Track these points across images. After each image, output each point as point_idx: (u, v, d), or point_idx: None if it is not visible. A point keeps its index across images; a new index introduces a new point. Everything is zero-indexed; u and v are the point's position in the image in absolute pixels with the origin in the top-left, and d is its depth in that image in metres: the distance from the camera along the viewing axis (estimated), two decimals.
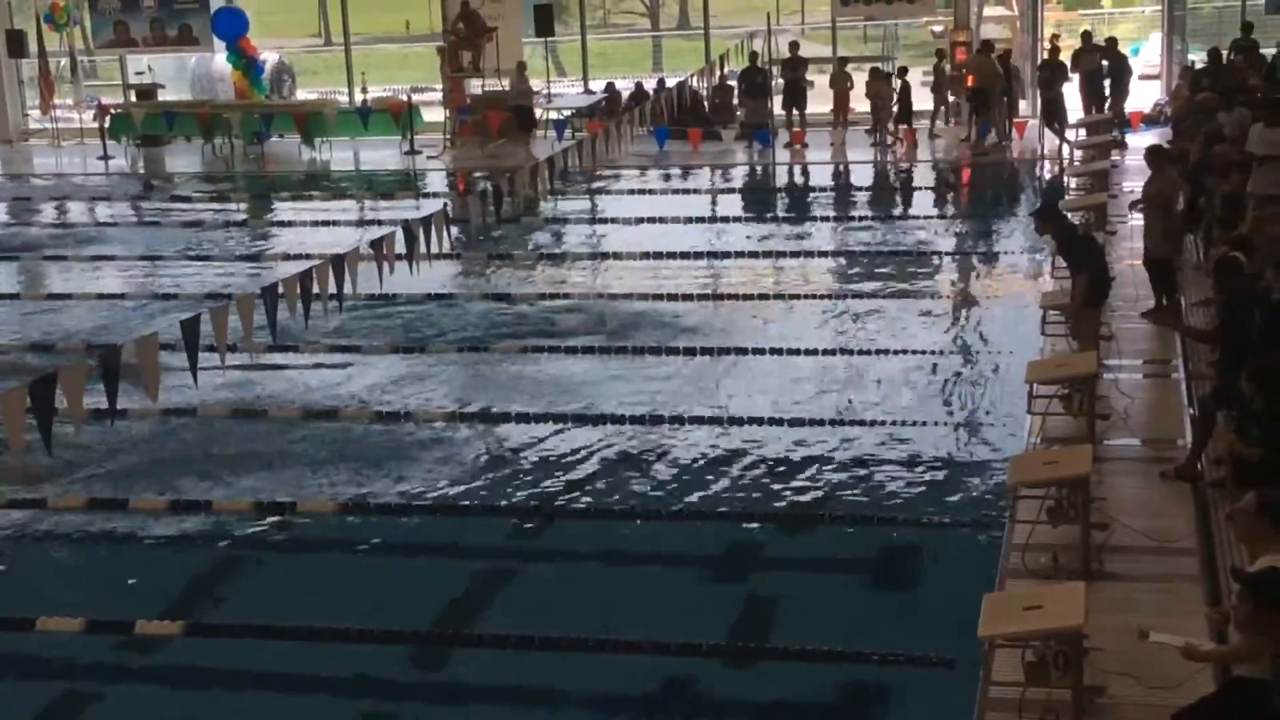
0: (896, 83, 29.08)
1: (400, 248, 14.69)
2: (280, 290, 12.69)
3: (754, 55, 30.55)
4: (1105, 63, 27.03)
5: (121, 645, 10.70)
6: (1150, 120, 27.32)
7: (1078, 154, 24.66)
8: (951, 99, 28.97)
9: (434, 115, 32.32)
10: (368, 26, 45.48)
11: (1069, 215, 15.60)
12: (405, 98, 32.19)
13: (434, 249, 15.22)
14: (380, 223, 21.77)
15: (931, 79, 29.47)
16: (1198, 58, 27.32)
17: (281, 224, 25.50)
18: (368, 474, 13.71)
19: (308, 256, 18.74)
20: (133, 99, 34.45)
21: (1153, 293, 15.55)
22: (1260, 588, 6.68)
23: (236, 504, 12.97)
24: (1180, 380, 13.62)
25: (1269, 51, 25.33)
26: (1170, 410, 13.05)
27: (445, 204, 18.80)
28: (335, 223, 24.42)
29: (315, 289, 13.05)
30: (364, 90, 34.20)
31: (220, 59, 35.15)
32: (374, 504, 12.95)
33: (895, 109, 28.91)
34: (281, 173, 29.91)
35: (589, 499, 13.03)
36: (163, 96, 34.74)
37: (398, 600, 11.23)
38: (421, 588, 11.53)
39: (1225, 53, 25.48)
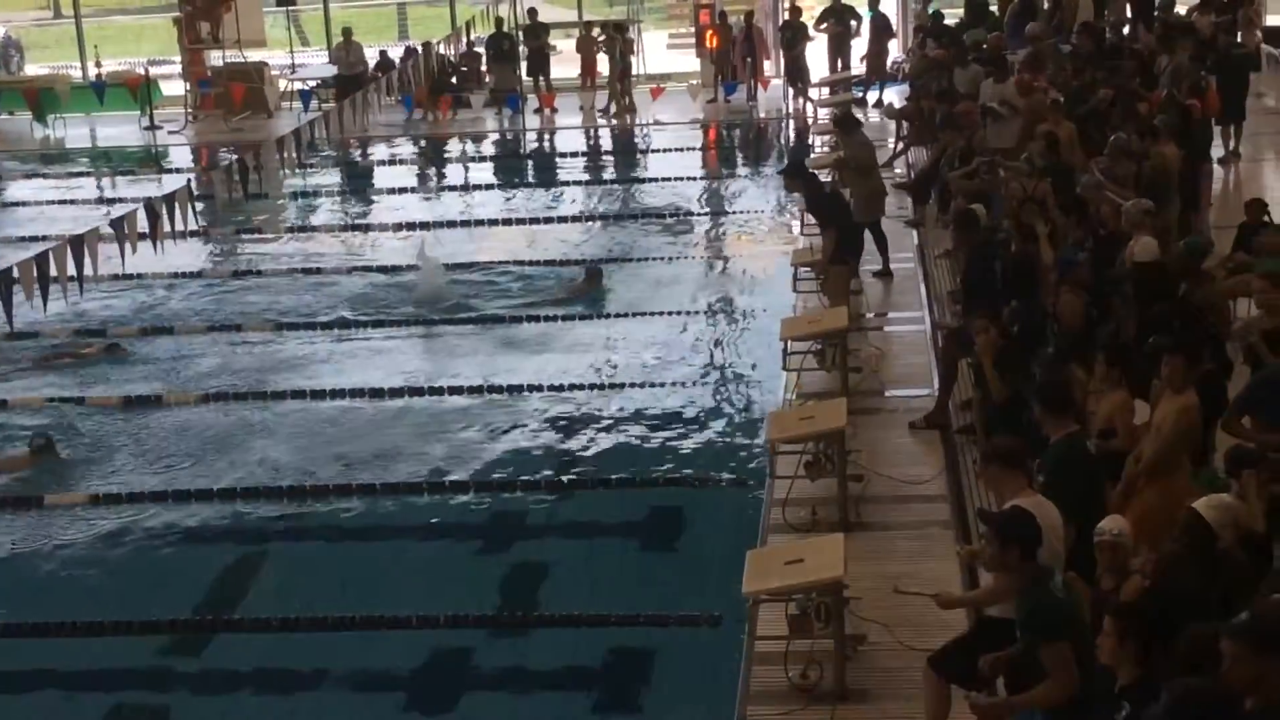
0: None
1: (143, 227, 14.26)
2: (15, 274, 12.22)
3: (500, 21, 30.36)
4: (854, 22, 27.47)
5: None
6: (889, 78, 27.88)
7: (822, 112, 25.10)
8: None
9: (174, 89, 31.33)
10: None
11: (815, 173, 15.87)
12: (142, 71, 31.16)
13: (179, 227, 14.82)
14: (121, 201, 21.07)
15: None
16: None
17: (14, 205, 24.45)
18: (120, 461, 13.30)
19: (44, 238, 18.04)
20: None
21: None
22: (1004, 528, 6.96)
23: None
24: (926, 331, 14.02)
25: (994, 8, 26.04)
26: (918, 361, 13.42)
27: (189, 180, 18.30)
28: (73, 202, 23.53)
29: (54, 272, 12.60)
30: (98, 64, 32.99)
31: None
32: (126, 493, 12.56)
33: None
34: (12, 152, 28.71)
35: (351, 475, 12.83)
36: None
37: (154, 589, 10.96)
38: (179, 574, 11.27)
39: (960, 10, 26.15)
